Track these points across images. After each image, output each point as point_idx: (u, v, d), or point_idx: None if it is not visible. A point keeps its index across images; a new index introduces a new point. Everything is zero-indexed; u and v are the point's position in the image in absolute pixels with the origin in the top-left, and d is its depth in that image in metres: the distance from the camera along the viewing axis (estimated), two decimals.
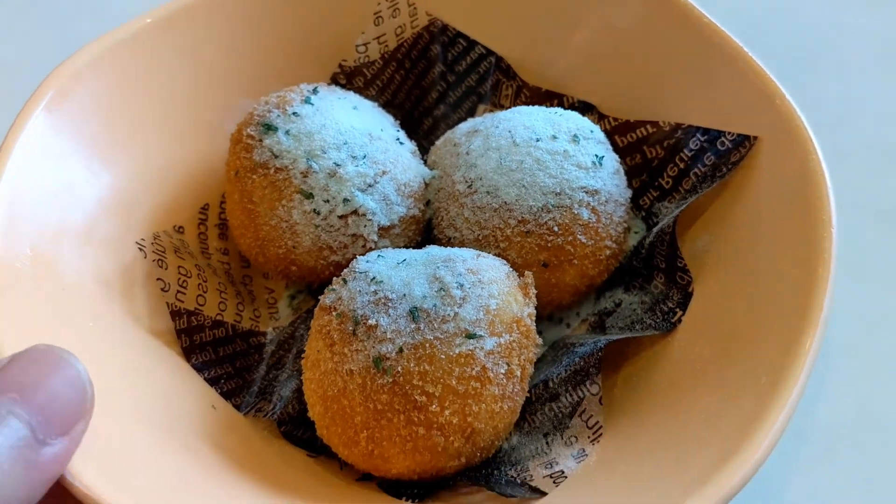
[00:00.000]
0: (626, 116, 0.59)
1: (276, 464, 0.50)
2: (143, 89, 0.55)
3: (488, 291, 0.48)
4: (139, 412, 0.46)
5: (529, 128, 0.54)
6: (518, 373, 0.48)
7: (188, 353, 0.53)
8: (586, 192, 0.52)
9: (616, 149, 0.58)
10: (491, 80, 0.65)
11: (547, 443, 0.50)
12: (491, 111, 0.65)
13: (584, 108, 0.62)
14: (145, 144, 0.55)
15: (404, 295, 0.47)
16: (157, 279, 0.53)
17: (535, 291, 0.51)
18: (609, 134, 0.59)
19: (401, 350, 0.45)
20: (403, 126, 0.62)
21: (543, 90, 0.63)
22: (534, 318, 0.50)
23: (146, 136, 0.55)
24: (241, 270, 0.61)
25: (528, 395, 0.50)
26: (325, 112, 0.55)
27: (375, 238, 0.54)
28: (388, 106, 0.65)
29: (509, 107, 0.64)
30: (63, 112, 0.50)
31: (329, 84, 0.60)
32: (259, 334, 0.58)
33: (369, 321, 0.46)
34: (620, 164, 0.56)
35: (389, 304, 0.47)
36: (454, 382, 0.45)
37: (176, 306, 0.53)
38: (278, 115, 0.54)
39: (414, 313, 0.46)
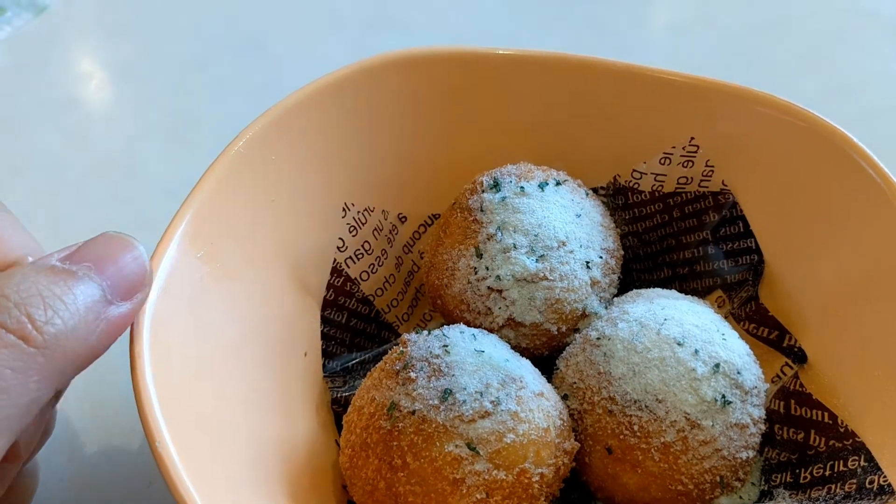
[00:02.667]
0: None
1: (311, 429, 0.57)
2: None
3: (518, 426, 0.48)
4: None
5: (683, 326, 0.51)
6: None
7: (326, 305, 0.61)
8: (688, 420, 0.49)
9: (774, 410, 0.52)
10: (745, 291, 0.61)
11: None
12: (724, 301, 0.62)
13: (798, 358, 0.56)
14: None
15: (454, 376, 0.49)
16: (339, 238, 0.61)
17: (570, 464, 0.50)
18: (783, 396, 0.53)
19: (413, 412, 0.48)
20: (629, 260, 0.62)
21: (774, 319, 0.58)
22: (546, 486, 0.49)
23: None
24: (421, 281, 0.67)
25: None
26: (548, 205, 0.58)
27: (500, 323, 0.56)
28: (629, 236, 0.65)
29: (737, 311, 0.60)
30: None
31: (576, 181, 0.62)
32: (393, 332, 0.64)
33: (411, 373, 0.50)
34: (758, 422, 0.51)
35: (436, 373, 0.49)
36: (427, 471, 0.47)
37: (340, 266, 0.62)
38: (510, 181, 0.59)
39: (446, 395, 0.48)
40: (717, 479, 0.50)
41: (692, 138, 0.61)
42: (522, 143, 0.65)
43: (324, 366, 0.60)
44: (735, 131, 0.60)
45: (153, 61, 1.00)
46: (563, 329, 0.57)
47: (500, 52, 0.63)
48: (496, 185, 0.59)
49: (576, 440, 0.52)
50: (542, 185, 0.59)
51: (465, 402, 0.48)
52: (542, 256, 0.56)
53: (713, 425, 0.49)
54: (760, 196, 0.61)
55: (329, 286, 0.61)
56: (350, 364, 0.62)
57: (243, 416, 0.52)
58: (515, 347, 0.56)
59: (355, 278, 0.62)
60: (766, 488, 0.54)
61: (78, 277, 0.42)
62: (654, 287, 0.60)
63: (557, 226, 0.57)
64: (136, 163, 0.87)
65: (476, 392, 0.48)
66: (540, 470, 0.48)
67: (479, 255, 0.57)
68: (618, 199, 0.65)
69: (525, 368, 0.52)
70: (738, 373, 0.50)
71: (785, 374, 0.57)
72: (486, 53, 0.64)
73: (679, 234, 0.64)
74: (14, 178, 0.85)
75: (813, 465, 0.51)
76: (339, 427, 0.58)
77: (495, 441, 0.47)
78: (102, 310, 0.42)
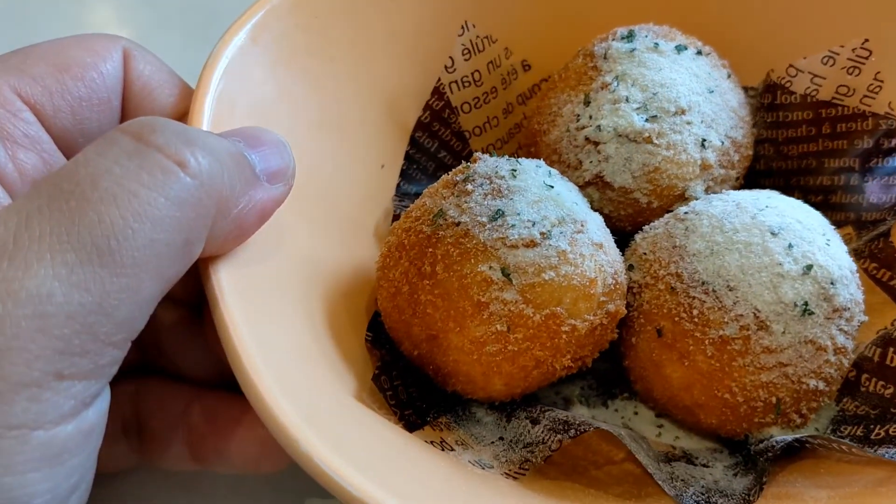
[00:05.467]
0: None
1: None
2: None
3: (561, 266, 0.43)
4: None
5: (783, 217, 0.44)
6: (510, 348, 0.43)
7: (418, 127, 0.57)
8: (756, 318, 0.42)
9: None
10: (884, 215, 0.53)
11: None
12: (851, 238, 0.54)
13: None
14: None
15: (511, 200, 0.44)
16: (450, 56, 0.57)
17: (611, 333, 0.45)
18: (882, 343, 0.45)
19: (457, 224, 0.44)
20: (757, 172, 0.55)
21: None
22: (576, 343, 0.44)
23: None
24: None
25: None
26: (679, 68, 0.51)
27: (587, 179, 0.51)
28: (765, 143, 0.57)
29: (860, 247, 0.52)
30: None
31: (723, 60, 0.54)
32: None
33: (468, 186, 0.46)
34: (840, 352, 0.43)
35: (495, 192, 0.45)
36: (454, 286, 0.43)
37: (443, 88, 0.57)
38: (646, 36, 0.53)
39: (497, 215, 0.44)
40: (773, 399, 0.43)
41: (866, 40, 0.52)
42: (672, 15, 0.58)
43: (398, 185, 0.57)
44: None
45: None
46: (654, 205, 0.51)
47: None
48: (630, 36, 0.53)
49: (627, 315, 0.46)
50: (679, 48, 0.52)
51: (514, 226, 0.43)
52: (653, 117, 0.50)
53: (784, 332, 0.42)
54: None
55: (427, 107, 0.58)
56: (424, 191, 0.58)
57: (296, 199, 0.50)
58: (597, 212, 0.50)
59: (456, 107, 0.59)
60: None
61: (231, 142, 0.39)
62: None
63: (682, 91, 0.50)
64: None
65: (528, 220, 0.44)
66: (573, 321, 0.43)
67: (587, 103, 0.51)
68: (765, 98, 0.57)
69: (592, 217, 0.46)
70: (832, 283, 0.42)
71: (893, 328, 0.48)
72: None
73: (822, 154, 0.56)
74: None
75: (892, 423, 0.43)
76: None
77: (532, 274, 0.43)
78: (253, 179, 0.39)
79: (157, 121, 0.37)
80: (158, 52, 0.47)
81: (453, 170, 0.48)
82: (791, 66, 0.55)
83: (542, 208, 0.44)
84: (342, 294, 0.49)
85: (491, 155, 0.48)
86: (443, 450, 0.44)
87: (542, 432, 0.46)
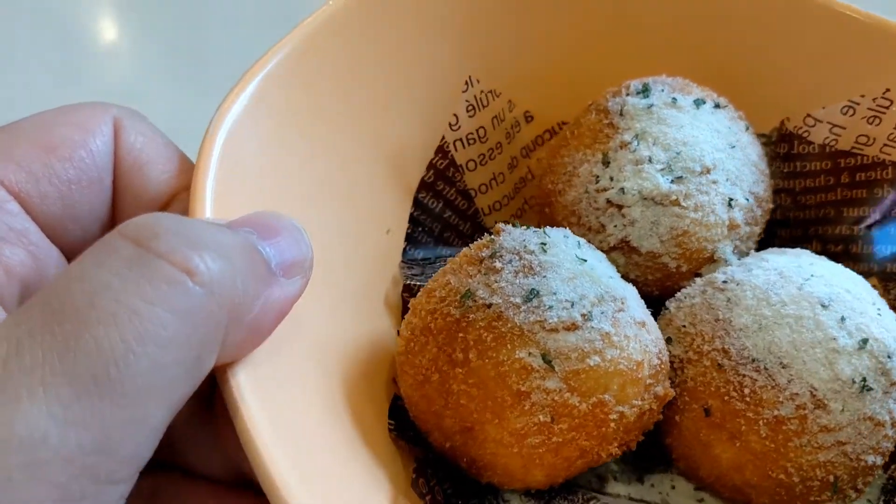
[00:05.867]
0: None
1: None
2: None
3: (606, 350, 0.40)
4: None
5: (832, 287, 0.42)
6: (555, 439, 0.40)
7: (422, 187, 0.54)
8: (813, 396, 0.40)
9: None
10: None
11: None
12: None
13: None
14: None
15: (545, 277, 0.42)
16: (454, 114, 0.54)
17: (657, 415, 0.42)
18: None
19: (489, 306, 0.41)
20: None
21: None
22: (624, 430, 0.41)
23: None
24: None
25: None
26: (700, 124, 0.49)
27: (612, 244, 0.49)
28: (782, 193, 0.55)
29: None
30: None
31: (739, 111, 0.53)
32: (484, 231, 0.57)
33: (497, 263, 0.42)
34: None
35: (526, 269, 0.42)
36: (490, 374, 0.40)
37: (447, 146, 0.54)
38: (662, 90, 0.51)
39: (532, 295, 0.41)
40: (831, 478, 0.41)
41: (887, 90, 0.51)
42: (681, 63, 0.56)
43: (404, 251, 0.54)
44: None
45: None
46: (683, 268, 0.48)
47: None
48: (645, 91, 0.51)
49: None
50: (697, 103, 0.50)
51: (551, 307, 0.40)
52: (679, 178, 0.47)
53: (843, 410, 0.40)
54: None
55: (430, 166, 0.55)
56: (433, 257, 0.55)
57: None
58: (623, 277, 0.48)
59: (461, 165, 0.55)
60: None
61: (242, 236, 0.35)
62: None
63: (706, 149, 0.48)
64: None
65: (567, 300, 0.41)
66: (621, 408, 0.41)
67: (606, 163, 0.49)
68: (780, 147, 0.56)
69: (629, 292, 0.44)
70: (889, 357, 0.41)
71: None
72: None
73: (842, 203, 0.54)
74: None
75: None
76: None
77: (576, 360, 0.40)
78: (268, 277, 0.35)
79: (158, 221, 0.33)
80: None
81: (476, 243, 0.45)
82: (809, 115, 0.54)
83: (578, 286, 0.42)
84: (362, 376, 0.46)
85: (514, 225, 0.46)
86: None
87: None
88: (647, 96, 0.50)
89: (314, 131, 0.48)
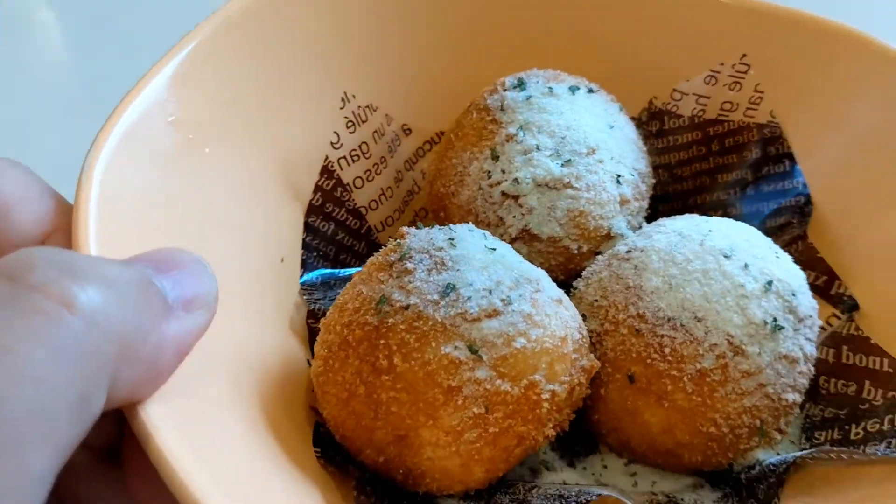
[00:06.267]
0: None
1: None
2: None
3: (530, 330, 0.40)
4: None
5: (730, 238, 0.44)
6: (491, 430, 0.40)
7: (311, 211, 0.53)
8: (731, 344, 0.41)
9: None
10: (788, 233, 0.54)
11: None
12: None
13: (848, 307, 0.49)
14: None
15: (459, 271, 0.41)
16: (334, 131, 0.54)
17: (585, 390, 0.42)
18: (834, 343, 0.46)
19: (406, 307, 0.40)
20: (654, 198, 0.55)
21: (823, 262, 0.51)
22: (556, 409, 0.41)
23: None
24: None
25: None
26: (578, 108, 0.51)
27: (513, 235, 0.49)
28: (659, 169, 0.57)
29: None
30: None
31: (610, 95, 0.55)
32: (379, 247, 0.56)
33: (408, 264, 0.42)
34: (809, 360, 0.43)
35: (438, 266, 0.41)
36: (418, 376, 0.39)
37: (332, 166, 0.53)
38: (537, 82, 0.52)
39: (448, 290, 0.40)
40: (757, 423, 0.42)
41: (744, 55, 0.54)
42: (548, 58, 0.58)
43: (301, 278, 0.52)
44: (789, 57, 0.54)
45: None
46: (584, 249, 0.49)
47: None
48: (521, 84, 0.52)
49: None
50: (572, 89, 0.52)
51: (470, 298, 0.40)
52: (568, 161, 0.48)
53: (760, 353, 0.41)
54: (812, 130, 0.54)
55: (317, 189, 0.53)
56: (331, 279, 0.54)
57: None
58: None
59: (348, 184, 0.55)
60: (807, 447, 0.46)
61: (134, 269, 0.33)
62: None
63: (588, 131, 0.50)
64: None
65: (484, 289, 0.41)
66: (552, 386, 0.40)
67: (496, 158, 0.49)
68: (652, 126, 0.58)
69: (542, 273, 0.44)
70: (794, 294, 0.42)
71: (831, 326, 0.49)
72: None
73: (716, 171, 0.57)
74: None
75: (867, 419, 0.44)
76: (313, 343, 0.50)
77: (503, 345, 0.40)
78: (164, 310, 0.33)
79: (35, 254, 0.30)
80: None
81: (382, 250, 0.44)
82: (675, 90, 0.56)
83: (493, 273, 0.41)
84: (282, 405, 0.44)
85: (417, 227, 0.45)
86: None
87: None
88: (524, 89, 0.51)
89: (198, 162, 0.46)
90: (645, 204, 0.53)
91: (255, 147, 0.49)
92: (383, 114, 0.56)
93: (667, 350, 0.42)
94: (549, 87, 0.51)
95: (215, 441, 0.36)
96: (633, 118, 0.58)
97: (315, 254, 0.53)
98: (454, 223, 0.51)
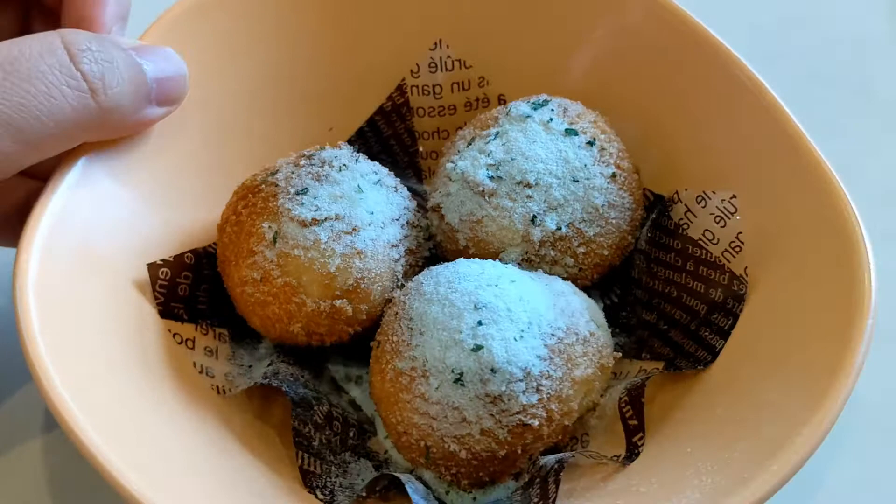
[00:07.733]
0: None
1: None
2: None
3: (311, 248, 0.51)
4: None
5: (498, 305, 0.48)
6: (258, 296, 0.52)
7: (379, 111, 0.65)
8: (423, 364, 0.47)
9: None
10: None
11: None
12: None
13: (629, 459, 0.49)
14: None
15: (321, 186, 0.52)
16: None
17: (345, 332, 0.53)
18: None
19: (276, 185, 0.53)
20: None
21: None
22: (307, 317, 0.51)
23: None
24: None
25: None
26: None
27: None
28: (643, 257, 0.58)
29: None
30: None
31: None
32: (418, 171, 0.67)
33: (303, 161, 0.54)
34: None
35: (316, 175, 0.53)
36: (244, 229, 0.53)
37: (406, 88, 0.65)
38: None
39: (301, 192, 0.52)
40: (423, 444, 0.48)
41: (734, 196, 0.53)
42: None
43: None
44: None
45: None
46: (471, 250, 0.55)
47: None
48: (539, 104, 0.57)
49: None
50: (568, 132, 0.55)
51: (303, 204, 0.52)
52: (497, 178, 0.54)
53: (437, 388, 0.47)
54: None
55: (389, 98, 0.65)
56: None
57: None
58: (429, 238, 0.59)
59: (413, 108, 0.65)
60: None
61: (143, 70, 0.49)
62: None
63: (538, 168, 0.54)
64: None
65: (315, 206, 0.52)
66: (303, 297, 0.51)
67: (469, 142, 0.57)
68: (653, 212, 0.58)
69: (382, 232, 0.53)
70: (493, 371, 0.46)
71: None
72: None
73: (682, 289, 0.55)
74: None
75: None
76: None
77: (291, 247, 0.51)
78: (146, 96, 0.49)
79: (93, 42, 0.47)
80: None
81: (317, 145, 0.57)
82: (677, 192, 0.56)
83: (335, 202, 0.52)
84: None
85: (356, 150, 0.57)
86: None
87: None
88: (536, 109, 0.56)
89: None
90: (572, 262, 0.54)
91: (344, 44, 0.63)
92: (478, 75, 0.65)
93: (395, 338, 0.49)
94: (551, 119, 0.55)
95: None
96: (652, 192, 0.59)
97: (363, 143, 0.66)
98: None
